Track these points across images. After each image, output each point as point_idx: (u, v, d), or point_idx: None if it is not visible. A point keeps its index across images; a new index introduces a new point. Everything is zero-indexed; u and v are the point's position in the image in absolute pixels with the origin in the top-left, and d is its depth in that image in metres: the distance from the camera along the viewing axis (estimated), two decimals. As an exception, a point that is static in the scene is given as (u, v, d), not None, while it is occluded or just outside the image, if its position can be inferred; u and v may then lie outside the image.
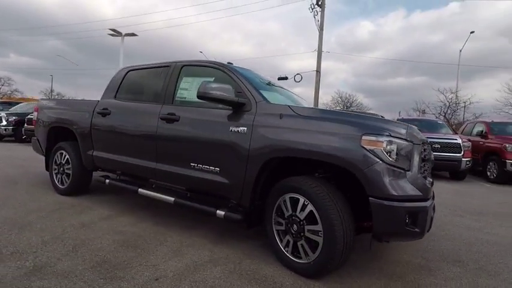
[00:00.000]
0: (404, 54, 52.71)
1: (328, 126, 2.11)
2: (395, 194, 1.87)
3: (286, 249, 2.23)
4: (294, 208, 2.17)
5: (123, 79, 3.51)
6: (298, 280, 2.06)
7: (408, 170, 1.97)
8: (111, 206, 3.50)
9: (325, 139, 2.05)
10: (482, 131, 8.24)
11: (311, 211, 2.05)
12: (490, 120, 8.72)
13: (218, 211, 2.52)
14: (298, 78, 17.09)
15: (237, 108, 2.48)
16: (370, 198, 1.89)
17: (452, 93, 23.23)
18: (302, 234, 2.11)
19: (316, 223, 2.02)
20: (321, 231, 1.99)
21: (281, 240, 2.29)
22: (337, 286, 2.02)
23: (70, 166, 3.78)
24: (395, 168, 1.92)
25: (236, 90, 2.52)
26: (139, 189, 3.08)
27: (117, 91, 3.48)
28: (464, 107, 22.86)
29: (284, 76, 19.04)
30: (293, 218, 2.17)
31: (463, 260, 2.62)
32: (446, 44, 53.86)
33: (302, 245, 2.12)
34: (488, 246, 3.02)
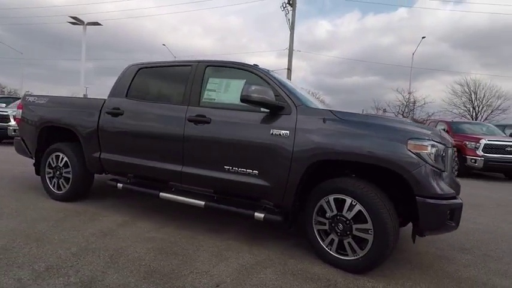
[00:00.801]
0: (359, 54, 55.85)
1: (373, 131, 2.25)
2: (440, 193, 2.08)
3: (329, 247, 2.34)
4: (340, 208, 2.28)
5: (134, 77, 3.31)
6: (347, 276, 2.18)
7: (444, 171, 2.19)
8: (119, 211, 3.31)
9: (373, 143, 2.18)
10: (444, 129, 9.17)
11: (360, 211, 2.18)
12: (450, 120, 9.72)
13: (256, 213, 2.55)
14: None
15: (275, 111, 2.52)
16: (417, 197, 2.07)
17: (409, 93, 25.37)
18: (349, 232, 2.24)
19: (365, 222, 2.16)
20: (371, 229, 2.13)
21: (323, 240, 2.39)
22: (382, 279, 2.18)
23: (69, 169, 3.49)
24: (436, 169, 2.12)
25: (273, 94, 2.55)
26: (161, 193, 2.96)
27: (128, 90, 3.29)
28: (421, 106, 25.20)
29: None
30: (338, 217, 2.28)
31: (468, 248, 2.96)
32: (395, 46, 58.26)
33: (349, 242, 2.24)
34: (481, 234, 3.43)
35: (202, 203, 2.77)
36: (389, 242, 2.09)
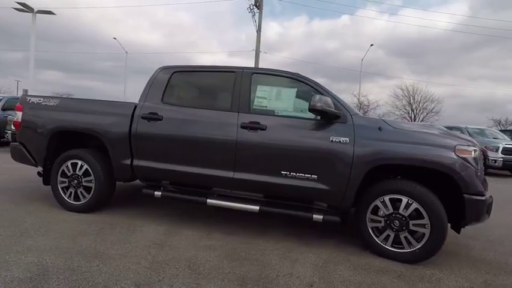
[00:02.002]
0: (308, 57, 58.72)
1: (425, 138, 2.57)
2: (481, 190, 2.48)
3: (384, 242, 2.61)
4: (396, 207, 2.56)
5: (168, 81, 3.20)
6: (406, 266, 2.46)
7: (479, 172, 2.61)
8: (151, 221, 3.17)
9: (427, 149, 2.50)
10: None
11: (416, 208, 2.49)
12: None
13: (315, 215, 2.71)
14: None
15: (332, 120, 2.71)
16: (465, 195, 2.44)
17: (363, 96, 27.65)
18: (405, 228, 2.53)
19: (422, 218, 2.47)
20: (427, 223, 2.45)
21: (377, 236, 2.65)
22: (434, 266, 2.50)
23: (92, 178, 3.24)
24: (476, 171, 2.52)
25: (329, 104, 2.73)
26: (208, 200, 2.95)
27: (163, 94, 3.17)
28: (374, 108, 27.71)
29: None
30: (394, 215, 2.56)
31: (478, 238, 3.40)
32: (339, 50, 62.54)
33: (405, 237, 2.53)
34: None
35: (257, 207, 2.84)
36: (444, 234, 2.43)
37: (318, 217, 2.71)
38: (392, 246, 2.59)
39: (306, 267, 2.36)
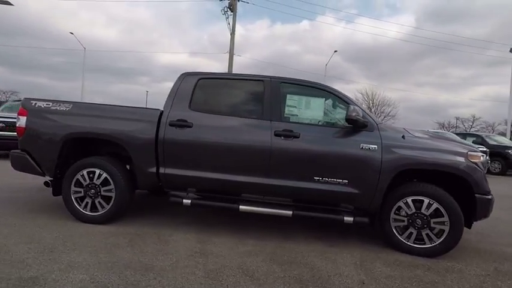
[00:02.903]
0: (270, 59, 60.03)
1: (441, 146, 2.90)
2: (488, 190, 2.86)
3: (407, 240, 2.89)
4: (418, 207, 2.85)
5: (194, 88, 3.18)
6: (430, 260, 2.75)
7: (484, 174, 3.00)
8: (173, 228, 3.14)
9: (444, 155, 2.83)
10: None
11: (437, 208, 2.79)
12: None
13: (346, 218, 2.91)
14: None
15: (361, 128, 2.92)
16: (476, 194, 2.80)
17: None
18: (426, 226, 2.83)
19: (442, 216, 2.78)
20: (447, 221, 2.76)
21: (400, 234, 2.92)
22: (452, 259, 2.81)
23: (111, 187, 3.10)
24: (484, 173, 2.91)
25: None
26: (241, 206, 3.00)
27: (190, 101, 3.14)
28: None
29: None
30: (416, 214, 2.85)
31: (469, 232, 3.78)
32: (300, 54, 64.91)
33: (427, 234, 2.83)
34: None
35: (290, 212, 2.95)
36: (461, 229, 2.77)
37: (348, 219, 2.90)
38: (414, 243, 2.88)
39: (348, 266, 2.54)
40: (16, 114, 3.32)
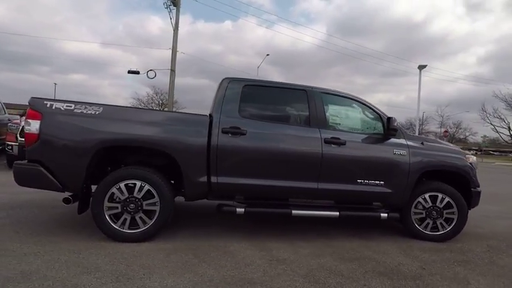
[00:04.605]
0: (194, 57, 59.18)
1: (447, 150, 3.56)
2: (479, 185, 3.64)
3: (425, 229, 3.47)
4: (434, 201, 3.44)
5: (241, 94, 3.14)
6: (445, 244, 3.36)
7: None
8: (222, 239, 3.06)
9: (451, 158, 3.49)
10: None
11: (448, 202, 3.43)
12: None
13: (382, 214, 3.32)
14: (151, 74, 16.24)
15: (393, 136, 3.36)
16: (472, 189, 3.55)
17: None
18: (440, 216, 3.44)
19: (452, 208, 3.43)
20: (455, 211, 3.42)
21: (419, 225, 3.48)
22: (457, 242, 3.47)
23: (156, 200, 2.83)
24: (475, 171, 3.68)
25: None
26: (294, 211, 3.11)
27: (239, 108, 3.08)
28: None
29: (136, 70, 17.69)
30: (432, 207, 3.44)
31: (500, 238, 4.64)
32: (224, 54, 65.87)
33: (441, 223, 3.45)
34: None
35: (337, 213, 3.21)
36: (467, 217, 3.46)
37: (384, 215, 3.32)
38: (430, 231, 3.47)
39: (399, 256, 2.93)
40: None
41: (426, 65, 19.89)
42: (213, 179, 2.94)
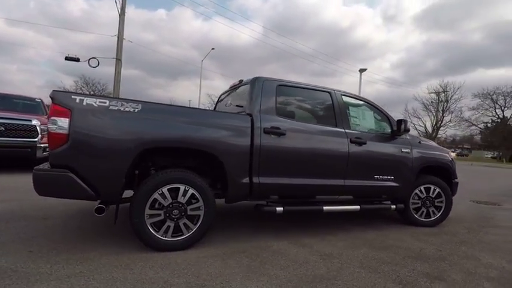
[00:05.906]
0: (131, 45, 54.90)
1: (437, 148, 4.15)
2: (457, 177, 4.32)
3: (420, 216, 3.99)
4: (428, 192, 3.99)
5: (276, 94, 3.14)
6: (438, 228, 3.93)
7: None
8: (263, 240, 3.08)
9: (441, 155, 4.08)
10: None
11: (439, 192, 4.01)
12: None
13: (392, 205, 3.71)
14: (94, 63, 14.67)
15: (396, 135, 3.77)
16: (453, 180, 4.20)
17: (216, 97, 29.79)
18: (431, 205, 4.01)
19: (441, 197, 4.02)
20: (443, 200, 4.02)
21: (416, 213, 3.99)
22: (446, 228, 4.10)
23: (200, 204, 2.68)
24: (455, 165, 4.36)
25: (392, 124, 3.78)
26: (325, 207, 3.27)
27: (276, 107, 3.09)
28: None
29: (75, 57, 16.00)
30: (426, 198, 3.99)
31: (468, 220, 5.48)
32: (156, 43, 62.58)
33: (433, 210, 4.01)
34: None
35: (358, 207, 3.48)
36: (451, 204, 4.08)
37: (393, 207, 3.72)
38: (424, 218, 4.01)
39: (416, 242, 3.33)
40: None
41: (366, 69, 22.16)
42: (255, 180, 2.91)
